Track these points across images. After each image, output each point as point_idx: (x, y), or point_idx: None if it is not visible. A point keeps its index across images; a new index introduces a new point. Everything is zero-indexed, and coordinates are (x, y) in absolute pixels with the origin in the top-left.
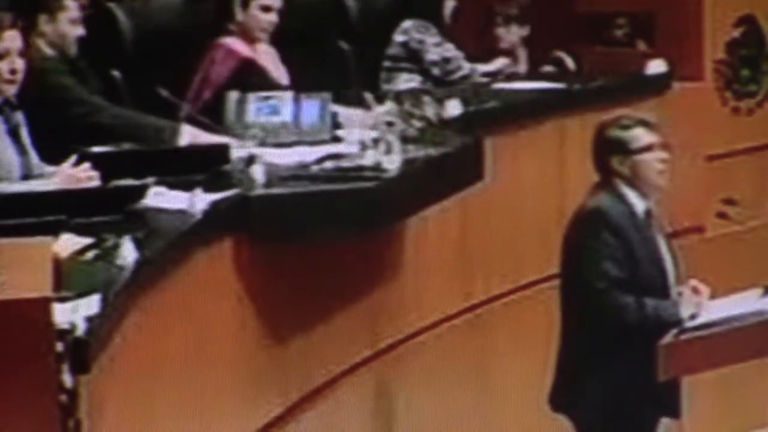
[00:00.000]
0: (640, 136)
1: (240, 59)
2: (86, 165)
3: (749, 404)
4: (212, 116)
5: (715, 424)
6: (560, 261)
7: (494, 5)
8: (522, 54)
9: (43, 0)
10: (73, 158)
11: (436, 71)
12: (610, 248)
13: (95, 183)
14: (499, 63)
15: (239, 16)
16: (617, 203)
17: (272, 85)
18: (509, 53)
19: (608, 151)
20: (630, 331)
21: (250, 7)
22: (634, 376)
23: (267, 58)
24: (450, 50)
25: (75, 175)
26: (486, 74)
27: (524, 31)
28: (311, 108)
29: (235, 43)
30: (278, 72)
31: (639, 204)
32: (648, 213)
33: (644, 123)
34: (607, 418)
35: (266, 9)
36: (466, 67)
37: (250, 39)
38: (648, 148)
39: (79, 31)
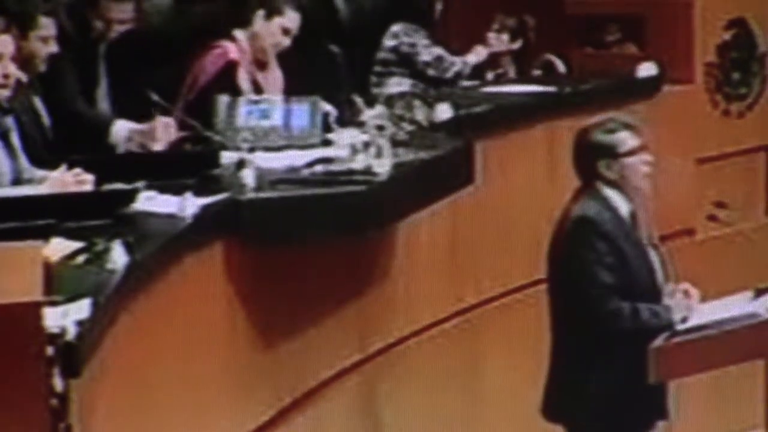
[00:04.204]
0: (626, 139)
1: (228, 61)
2: (77, 170)
3: (739, 407)
4: (197, 118)
5: (705, 427)
6: (548, 269)
7: (496, 12)
8: (507, 65)
9: (16, 15)
10: (64, 166)
11: (431, 72)
12: (602, 255)
13: (89, 187)
14: (476, 52)
15: (257, 26)
16: (603, 209)
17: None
18: (493, 59)
19: (595, 155)
20: (625, 337)
21: (273, 23)
22: (628, 380)
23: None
24: (439, 49)
25: (66, 180)
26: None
27: (514, 45)
28: (301, 112)
29: (231, 47)
30: (273, 76)
31: (623, 207)
32: (633, 215)
33: (628, 126)
34: (601, 423)
35: (285, 31)
36: (458, 61)
37: (259, 52)
38: (634, 152)
39: (52, 48)
